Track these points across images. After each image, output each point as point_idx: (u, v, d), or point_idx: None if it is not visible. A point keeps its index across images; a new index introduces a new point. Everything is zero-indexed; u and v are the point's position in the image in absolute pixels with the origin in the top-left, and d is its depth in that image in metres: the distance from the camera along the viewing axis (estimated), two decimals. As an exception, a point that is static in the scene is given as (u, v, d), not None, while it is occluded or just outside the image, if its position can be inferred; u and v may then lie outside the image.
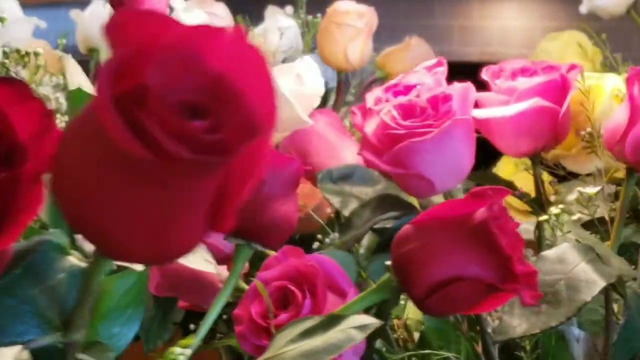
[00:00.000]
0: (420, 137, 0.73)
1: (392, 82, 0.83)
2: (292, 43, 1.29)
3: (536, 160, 0.91)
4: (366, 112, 0.79)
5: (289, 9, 1.36)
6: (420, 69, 0.83)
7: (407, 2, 3.79)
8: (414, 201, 0.92)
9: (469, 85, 0.80)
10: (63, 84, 1.23)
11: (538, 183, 0.90)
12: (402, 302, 0.92)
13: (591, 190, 0.87)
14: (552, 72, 0.87)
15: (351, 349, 0.70)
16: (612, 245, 0.83)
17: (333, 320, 0.56)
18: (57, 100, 1.05)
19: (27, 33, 1.30)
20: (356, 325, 0.54)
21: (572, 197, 0.89)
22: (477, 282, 0.53)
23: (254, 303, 0.72)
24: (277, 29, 1.29)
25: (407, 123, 0.75)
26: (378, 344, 0.89)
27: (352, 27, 1.15)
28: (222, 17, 1.21)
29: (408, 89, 0.80)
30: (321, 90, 0.97)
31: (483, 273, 0.53)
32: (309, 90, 0.95)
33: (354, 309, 0.58)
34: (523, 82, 0.87)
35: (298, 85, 0.95)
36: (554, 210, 0.84)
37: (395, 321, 0.92)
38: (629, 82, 0.80)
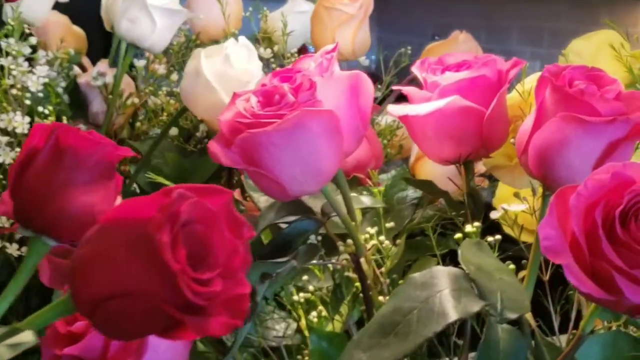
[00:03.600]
0: (261, 128, 0.63)
1: (286, 67, 0.73)
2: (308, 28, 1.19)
3: (469, 169, 0.78)
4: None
5: (316, -7, 1.26)
6: (318, 53, 0.72)
7: (571, 6, 3.62)
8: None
9: (359, 74, 0.70)
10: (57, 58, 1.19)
11: (469, 194, 0.78)
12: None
13: (516, 208, 0.74)
14: (483, 67, 0.75)
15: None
16: (528, 272, 0.71)
17: (13, 333, 0.48)
18: (10, 73, 1.00)
19: (46, 7, 1.26)
20: (9, 343, 0.45)
21: (496, 215, 0.76)
22: (147, 302, 0.43)
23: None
24: (294, 13, 1.20)
25: (261, 112, 0.65)
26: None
27: (342, 12, 1.04)
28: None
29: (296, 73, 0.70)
30: (255, 74, 0.87)
31: (148, 291, 0.43)
32: (238, 74, 0.86)
33: (37, 323, 0.49)
34: (447, 77, 0.75)
35: (225, 67, 0.86)
36: (468, 228, 0.72)
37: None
38: (539, 84, 0.67)
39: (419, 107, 0.74)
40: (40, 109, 1.01)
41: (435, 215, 0.87)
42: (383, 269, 0.78)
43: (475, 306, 0.61)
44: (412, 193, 0.87)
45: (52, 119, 1.00)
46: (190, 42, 1.17)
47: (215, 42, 1.19)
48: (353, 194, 0.79)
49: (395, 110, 0.75)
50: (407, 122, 0.77)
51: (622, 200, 0.53)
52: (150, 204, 0.44)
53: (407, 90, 0.78)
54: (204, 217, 0.45)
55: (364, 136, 0.72)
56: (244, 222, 0.47)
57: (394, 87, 0.83)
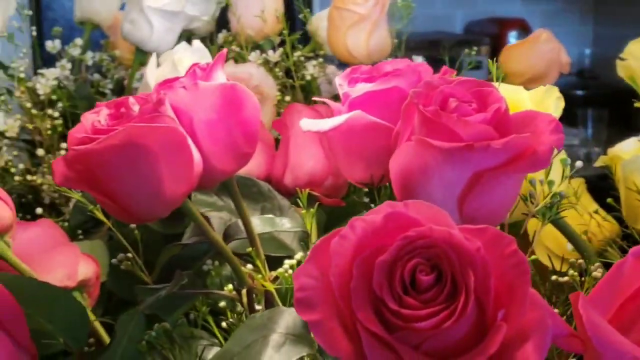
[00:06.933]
0: (85, 145, 0.58)
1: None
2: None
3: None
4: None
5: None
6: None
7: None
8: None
9: (234, 86, 0.63)
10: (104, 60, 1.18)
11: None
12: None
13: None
14: (396, 78, 0.65)
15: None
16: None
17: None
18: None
19: (110, 6, 1.25)
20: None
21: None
22: None
23: None
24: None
25: (101, 127, 0.60)
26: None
27: (352, 12, 0.95)
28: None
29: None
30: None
31: None
32: (186, 82, 0.80)
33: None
34: (357, 89, 0.66)
35: (173, 74, 0.80)
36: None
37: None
38: (409, 103, 0.57)
39: (323, 123, 0.66)
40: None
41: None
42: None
43: (294, 355, 0.53)
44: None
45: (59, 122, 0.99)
46: (226, 43, 1.12)
47: (256, 44, 1.14)
48: (269, 216, 0.72)
49: (305, 125, 0.67)
50: (328, 140, 0.70)
51: (388, 248, 0.44)
52: None
53: (328, 101, 0.70)
54: None
55: (251, 153, 0.64)
56: None
57: (315, 98, 0.74)
